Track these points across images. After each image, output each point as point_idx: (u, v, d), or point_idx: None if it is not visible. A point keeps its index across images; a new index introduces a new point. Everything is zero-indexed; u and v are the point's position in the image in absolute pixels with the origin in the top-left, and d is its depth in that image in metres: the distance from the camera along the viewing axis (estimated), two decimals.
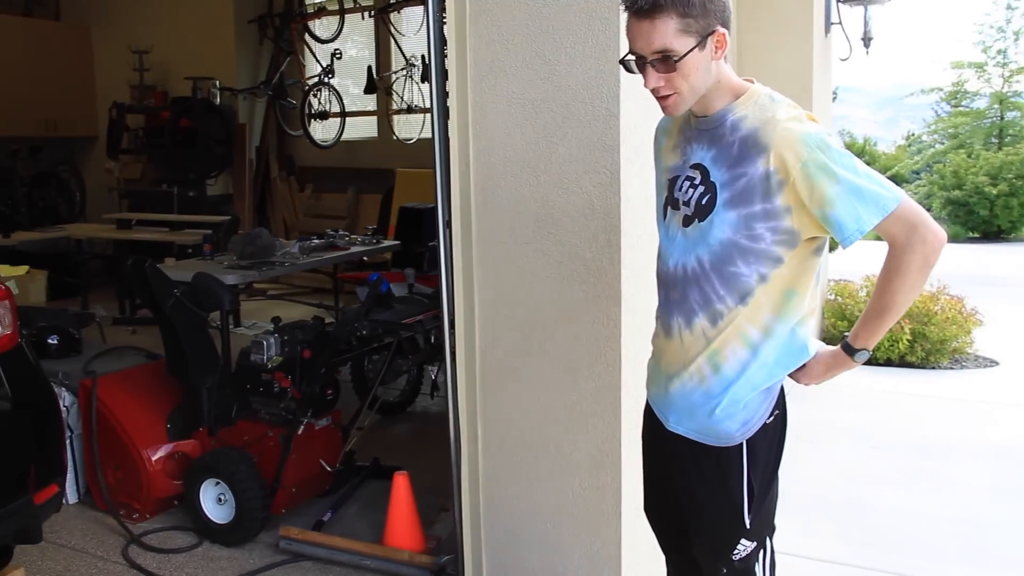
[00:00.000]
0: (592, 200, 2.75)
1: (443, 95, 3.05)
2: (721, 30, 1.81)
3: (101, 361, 4.35)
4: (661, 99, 1.87)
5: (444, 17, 3.00)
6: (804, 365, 1.97)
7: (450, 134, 2.99)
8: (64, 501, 3.69)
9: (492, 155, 2.92)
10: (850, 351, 1.93)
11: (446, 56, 2.98)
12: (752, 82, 1.93)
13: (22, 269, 7.38)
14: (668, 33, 1.76)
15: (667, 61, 1.79)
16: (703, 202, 1.87)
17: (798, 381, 2.02)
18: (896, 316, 1.85)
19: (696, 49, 1.78)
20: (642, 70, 1.84)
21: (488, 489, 3.10)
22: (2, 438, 2.82)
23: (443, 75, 3.04)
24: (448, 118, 3.01)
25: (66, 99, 10.27)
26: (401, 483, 3.56)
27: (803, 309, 1.91)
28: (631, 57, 1.85)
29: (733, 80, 1.90)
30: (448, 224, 3.03)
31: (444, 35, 3.01)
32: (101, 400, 3.96)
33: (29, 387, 2.95)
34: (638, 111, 2.72)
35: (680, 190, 1.94)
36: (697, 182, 1.90)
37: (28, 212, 9.34)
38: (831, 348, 1.99)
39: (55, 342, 4.54)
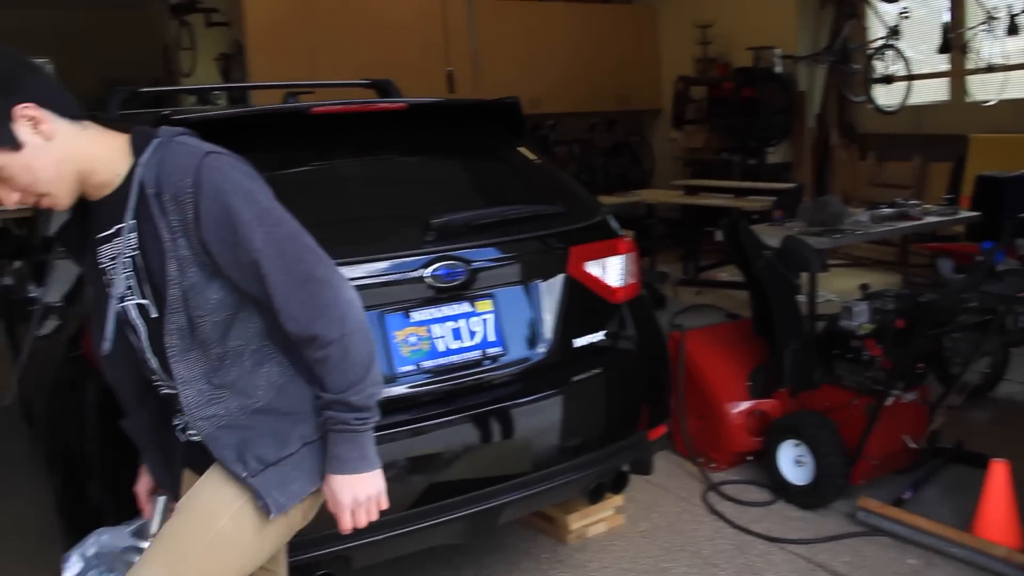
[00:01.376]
0: None
1: None
2: None
3: (685, 316, 4.69)
4: None
5: None
6: None
7: None
8: None
9: None
10: None
11: None
12: None
13: None
14: None
15: None
16: None
17: None
18: None
19: None
20: None
21: None
22: (630, 377, 3.18)
23: None
24: None
25: (635, 75, 11.13)
26: (1000, 472, 3.30)
27: None
28: None
29: None
30: None
31: None
32: (688, 353, 4.24)
33: (648, 333, 3.27)
34: None
35: None
36: None
37: (604, 179, 10.30)
38: None
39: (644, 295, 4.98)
